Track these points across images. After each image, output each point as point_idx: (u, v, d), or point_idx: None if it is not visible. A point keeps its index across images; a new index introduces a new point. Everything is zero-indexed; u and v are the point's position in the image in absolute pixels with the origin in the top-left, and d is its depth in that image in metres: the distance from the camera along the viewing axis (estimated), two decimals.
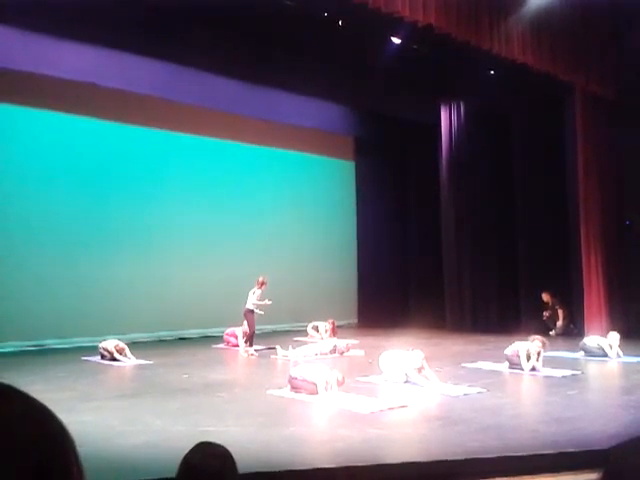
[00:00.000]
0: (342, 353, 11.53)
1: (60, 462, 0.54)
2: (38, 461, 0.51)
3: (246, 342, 12.03)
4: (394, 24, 11.00)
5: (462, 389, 7.86)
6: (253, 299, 11.81)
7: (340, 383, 7.67)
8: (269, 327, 13.78)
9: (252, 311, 11.86)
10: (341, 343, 11.88)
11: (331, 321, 14.02)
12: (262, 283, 11.91)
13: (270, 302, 11.79)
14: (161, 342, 13.22)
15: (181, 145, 14.45)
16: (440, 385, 8.08)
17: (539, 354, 9.31)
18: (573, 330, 13.79)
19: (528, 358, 9.23)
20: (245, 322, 12.19)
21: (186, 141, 14.47)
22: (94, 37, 10.88)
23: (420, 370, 8.30)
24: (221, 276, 14.32)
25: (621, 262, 13.95)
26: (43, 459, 0.52)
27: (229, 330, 12.76)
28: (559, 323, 14.20)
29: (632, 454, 1.15)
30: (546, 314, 14.37)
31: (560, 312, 14.21)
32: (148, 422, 5.88)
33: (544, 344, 9.43)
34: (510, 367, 9.43)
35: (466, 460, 5.02)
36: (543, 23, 12.15)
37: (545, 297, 14.38)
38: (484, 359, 10.28)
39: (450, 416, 6.48)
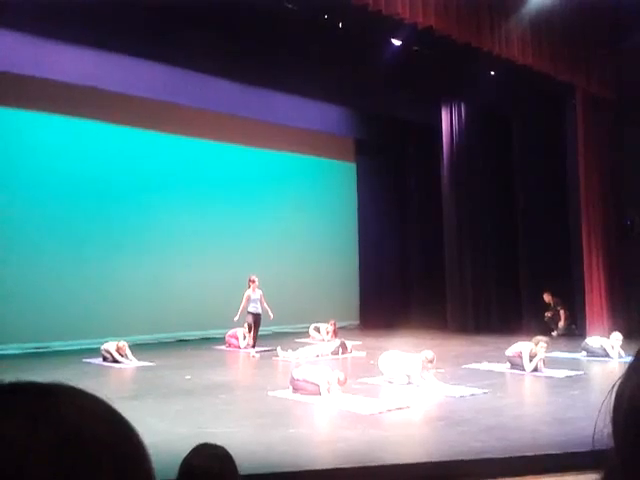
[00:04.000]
0: (344, 354, 11.52)
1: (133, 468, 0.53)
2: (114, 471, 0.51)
3: (249, 343, 12.07)
4: (394, 26, 11.00)
5: (464, 390, 7.86)
6: (243, 301, 11.96)
7: (342, 383, 7.68)
8: (270, 328, 13.77)
9: (248, 312, 11.94)
10: (343, 344, 11.87)
11: (332, 322, 14.01)
12: (249, 282, 12.03)
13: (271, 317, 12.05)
14: (163, 344, 13.21)
15: (181, 147, 14.45)
16: (442, 386, 8.08)
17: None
18: (575, 330, 13.78)
19: (531, 359, 9.21)
20: (246, 324, 12.26)
21: (186, 143, 14.47)
22: (94, 40, 10.89)
23: (422, 371, 8.29)
24: (222, 278, 14.31)
25: (622, 262, 13.93)
26: (119, 471, 0.51)
27: (230, 331, 12.77)
28: (561, 324, 14.19)
29: None
30: (548, 315, 14.36)
31: (562, 312, 14.21)
32: (150, 424, 5.88)
33: (547, 346, 9.42)
34: (511, 368, 9.42)
35: (468, 461, 5.02)
36: (543, 24, 12.15)
37: (546, 297, 14.37)
38: (486, 360, 10.27)
39: (452, 417, 6.48)
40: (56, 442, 0.49)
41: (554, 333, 13.87)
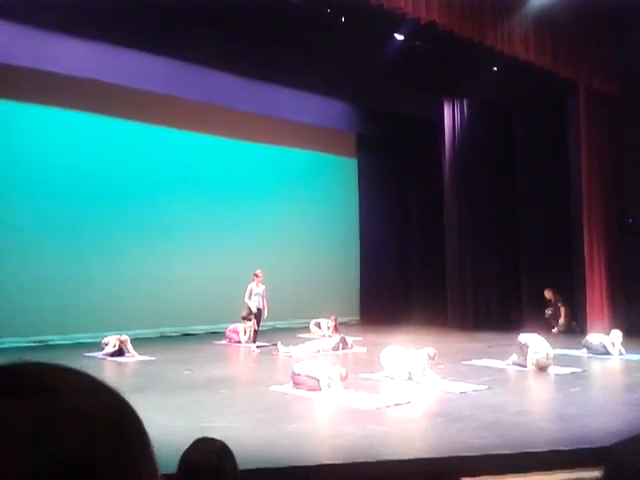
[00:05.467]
0: (344, 350, 11.53)
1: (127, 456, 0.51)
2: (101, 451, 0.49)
3: (249, 338, 12.07)
4: (397, 21, 10.98)
5: (464, 386, 7.86)
6: (246, 295, 11.90)
7: (343, 378, 7.68)
8: (271, 324, 13.78)
9: (249, 307, 11.93)
10: (343, 340, 11.88)
11: (333, 318, 14.01)
12: (254, 276, 11.98)
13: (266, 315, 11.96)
14: (163, 338, 13.23)
15: (183, 142, 14.43)
16: (442, 382, 8.08)
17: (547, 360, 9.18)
18: (575, 327, 13.79)
19: (534, 360, 9.14)
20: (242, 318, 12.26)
21: (188, 138, 14.44)
22: (96, 33, 10.87)
23: (423, 368, 8.29)
24: (223, 273, 14.31)
25: (623, 260, 13.92)
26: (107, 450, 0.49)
27: (231, 326, 12.78)
28: (561, 320, 14.19)
29: (634, 451, 1.15)
30: (548, 311, 14.36)
31: (562, 309, 14.20)
32: (150, 418, 5.84)
33: (545, 367, 9.23)
34: (513, 362, 9.39)
35: (468, 457, 5.02)
36: (546, 20, 12.12)
37: (547, 294, 14.37)
38: (486, 356, 10.27)
39: (452, 413, 6.48)
40: (52, 417, 0.48)
41: (554, 330, 13.87)
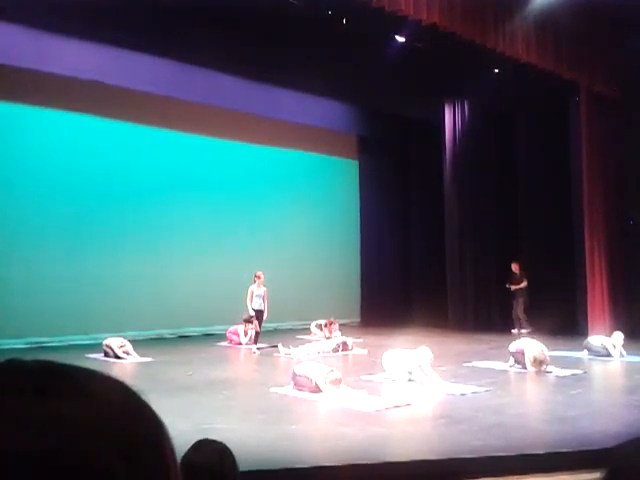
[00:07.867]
0: (345, 351, 11.53)
1: (154, 463, 0.51)
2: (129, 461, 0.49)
3: (250, 340, 12.05)
4: (398, 22, 10.98)
5: (465, 388, 7.86)
6: (248, 297, 11.83)
7: (338, 382, 7.63)
8: (272, 325, 13.77)
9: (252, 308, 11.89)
10: (344, 341, 11.87)
11: (332, 320, 13.94)
12: (255, 277, 11.93)
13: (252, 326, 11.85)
14: (164, 340, 13.22)
15: (183, 143, 14.43)
16: (443, 384, 8.08)
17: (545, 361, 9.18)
18: (525, 324, 13.92)
19: (536, 361, 9.13)
20: (243, 320, 12.23)
21: (188, 139, 14.44)
22: (97, 34, 10.90)
23: (423, 368, 8.28)
24: (224, 274, 14.31)
25: (624, 261, 13.91)
26: (136, 459, 0.49)
27: (231, 328, 12.77)
28: (514, 287, 14.25)
29: (634, 454, 1.15)
30: (511, 287, 14.34)
31: (524, 283, 14.19)
32: None
33: (544, 362, 9.23)
34: (514, 364, 9.38)
35: (469, 459, 5.02)
36: (547, 22, 12.13)
37: (514, 267, 14.42)
38: (487, 358, 10.27)
39: (453, 415, 6.47)
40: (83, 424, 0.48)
41: (515, 331, 13.82)
